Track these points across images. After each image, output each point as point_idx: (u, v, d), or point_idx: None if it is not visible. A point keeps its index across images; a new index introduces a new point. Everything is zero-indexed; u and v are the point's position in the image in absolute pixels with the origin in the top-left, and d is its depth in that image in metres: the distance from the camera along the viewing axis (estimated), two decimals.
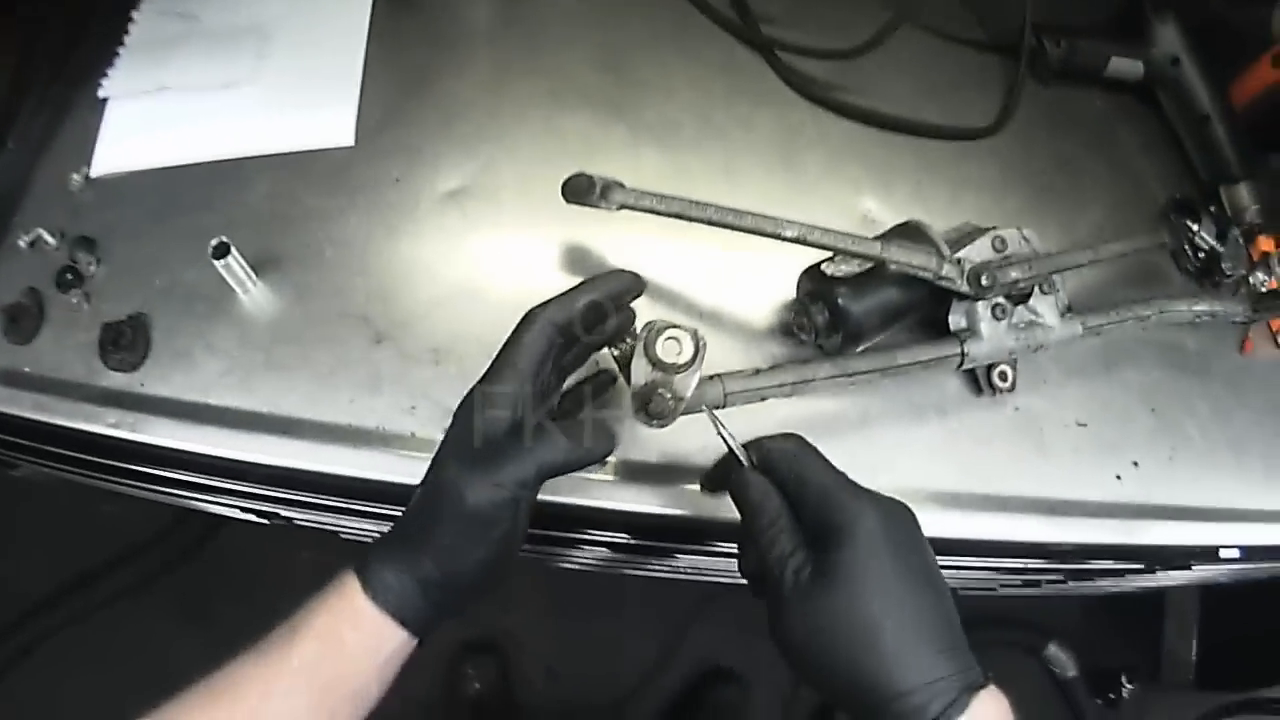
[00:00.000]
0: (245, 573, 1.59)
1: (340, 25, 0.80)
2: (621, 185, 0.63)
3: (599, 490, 0.64)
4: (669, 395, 0.51)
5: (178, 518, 1.56)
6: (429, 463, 0.51)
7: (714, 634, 1.68)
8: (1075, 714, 1.80)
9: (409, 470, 0.62)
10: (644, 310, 0.68)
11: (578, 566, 0.96)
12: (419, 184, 0.73)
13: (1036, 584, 1.11)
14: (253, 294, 0.68)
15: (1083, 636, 1.78)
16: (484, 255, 0.72)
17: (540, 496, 0.51)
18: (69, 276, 0.67)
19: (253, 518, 0.89)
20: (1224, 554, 0.74)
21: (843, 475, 0.49)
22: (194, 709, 0.45)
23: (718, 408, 0.56)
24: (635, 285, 0.56)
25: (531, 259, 0.72)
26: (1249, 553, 0.74)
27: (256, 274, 0.68)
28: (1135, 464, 0.74)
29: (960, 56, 0.92)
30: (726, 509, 0.53)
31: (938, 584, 0.47)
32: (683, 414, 0.53)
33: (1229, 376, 0.81)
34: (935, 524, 0.67)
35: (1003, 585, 1.09)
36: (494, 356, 0.52)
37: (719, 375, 0.57)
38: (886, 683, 0.43)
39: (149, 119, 0.75)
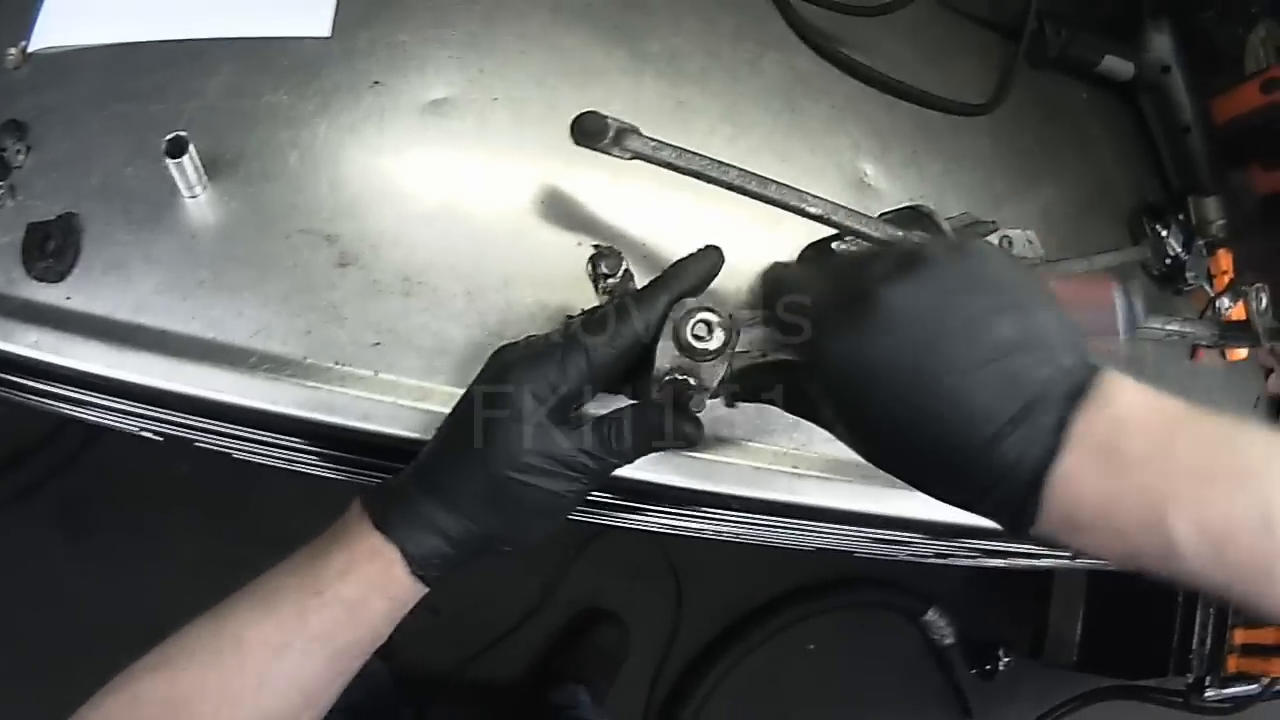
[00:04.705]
0: (124, 481, 1.52)
1: None
2: (638, 132, 0.57)
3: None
4: (694, 384, 0.47)
5: (58, 425, 1.46)
6: (454, 412, 0.48)
7: (595, 576, 1.70)
8: (950, 681, 1.85)
9: (367, 412, 0.57)
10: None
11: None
12: (400, 90, 0.65)
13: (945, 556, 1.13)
14: (201, 200, 0.60)
15: (963, 606, 1.84)
16: (468, 176, 0.65)
17: None
18: None
19: (149, 435, 0.81)
20: None
21: None
22: (198, 659, 0.43)
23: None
24: (719, 263, 0.50)
25: (520, 184, 0.66)
26: None
27: (209, 177, 0.59)
28: None
29: (960, 29, 0.89)
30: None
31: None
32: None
33: (1181, 382, 0.85)
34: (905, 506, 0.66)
35: (910, 555, 1.11)
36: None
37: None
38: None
39: None
